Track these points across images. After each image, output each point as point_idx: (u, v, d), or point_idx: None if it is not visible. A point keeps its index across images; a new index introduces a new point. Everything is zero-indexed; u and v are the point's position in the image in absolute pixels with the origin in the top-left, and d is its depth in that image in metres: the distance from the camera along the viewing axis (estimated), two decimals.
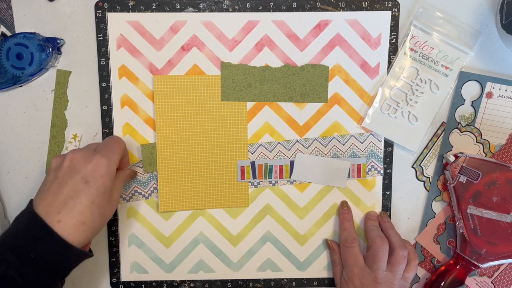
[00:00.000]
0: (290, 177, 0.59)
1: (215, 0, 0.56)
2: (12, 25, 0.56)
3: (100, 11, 0.56)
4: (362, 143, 0.59)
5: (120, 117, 0.58)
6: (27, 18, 0.56)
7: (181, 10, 0.56)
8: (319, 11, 0.57)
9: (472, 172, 0.55)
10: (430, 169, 0.59)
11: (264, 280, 0.61)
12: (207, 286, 0.61)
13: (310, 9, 0.56)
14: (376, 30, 0.57)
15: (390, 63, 0.58)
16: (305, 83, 0.57)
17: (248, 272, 0.61)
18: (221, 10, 0.56)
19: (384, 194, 0.60)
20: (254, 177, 0.59)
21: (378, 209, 0.60)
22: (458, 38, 0.57)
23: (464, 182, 0.55)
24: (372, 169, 0.59)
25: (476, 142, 0.58)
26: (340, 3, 0.56)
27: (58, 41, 0.56)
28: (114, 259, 0.60)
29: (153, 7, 0.56)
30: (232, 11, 0.57)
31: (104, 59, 0.57)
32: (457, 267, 0.57)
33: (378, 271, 0.53)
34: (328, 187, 0.59)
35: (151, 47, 0.57)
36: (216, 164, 0.58)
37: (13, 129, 0.58)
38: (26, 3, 0.56)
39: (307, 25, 0.57)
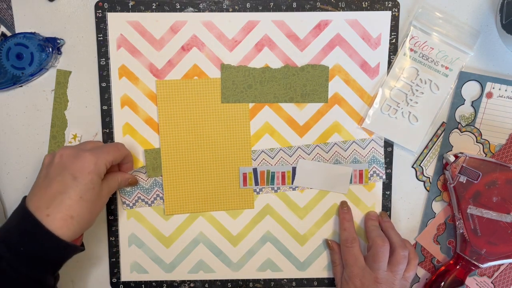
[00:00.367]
0: (292, 184, 0.59)
1: (215, 0, 0.56)
2: (12, 25, 0.56)
3: (100, 11, 0.56)
4: (364, 148, 0.59)
5: (120, 117, 0.58)
6: (27, 18, 0.56)
7: (181, 10, 0.56)
8: (319, 11, 0.57)
9: (472, 172, 0.55)
10: (430, 169, 0.59)
11: (264, 280, 0.61)
12: (207, 286, 0.61)
13: (310, 9, 0.56)
14: (376, 30, 0.57)
15: (390, 63, 0.58)
16: (305, 84, 0.57)
17: (248, 272, 0.61)
18: (221, 10, 0.56)
19: (384, 194, 0.60)
20: (257, 183, 0.59)
21: (378, 209, 0.60)
22: (458, 38, 0.57)
23: (464, 182, 0.55)
24: (374, 175, 0.59)
25: (476, 142, 0.58)
26: (340, 3, 0.56)
27: (58, 41, 0.56)
28: (114, 259, 0.60)
29: (153, 7, 0.56)
30: (232, 11, 0.57)
31: (104, 59, 0.57)
32: (457, 267, 0.57)
33: (378, 271, 0.53)
34: None
35: (151, 47, 0.57)
36: (220, 167, 0.58)
37: (13, 129, 0.58)
38: (26, 3, 0.56)
39: (307, 25, 0.57)
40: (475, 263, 0.56)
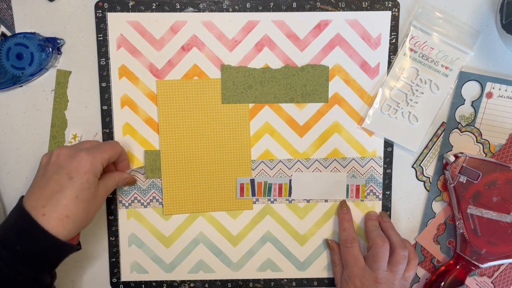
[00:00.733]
0: (289, 196, 0.59)
1: (215, 0, 0.56)
2: (12, 25, 0.56)
3: (100, 11, 0.56)
4: (362, 166, 0.59)
5: (120, 117, 0.58)
6: (27, 18, 0.56)
7: (181, 10, 0.56)
8: (319, 11, 0.57)
9: (472, 172, 0.55)
10: (430, 169, 0.59)
11: (264, 280, 0.61)
12: (207, 286, 0.61)
13: (310, 9, 0.56)
14: (376, 30, 0.57)
15: (390, 63, 0.58)
16: (306, 84, 0.57)
17: (248, 272, 0.61)
18: (221, 10, 0.56)
19: (384, 194, 0.60)
20: (254, 194, 0.59)
21: (378, 209, 0.60)
22: (458, 38, 0.57)
23: (464, 182, 0.55)
24: (371, 194, 0.59)
25: (476, 142, 0.58)
26: (340, 3, 0.56)
27: (58, 41, 0.56)
28: (114, 259, 0.60)
29: (153, 7, 0.56)
30: (232, 11, 0.57)
31: (104, 59, 0.57)
32: (457, 267, 0.57)
33: (378, 271, 0.53)
34: None
35: (151, 47, 0.57)
36: (220, 167, 0.58)
37: (13, 129, 0.58)
38: (26, 3, 0.56)
39: (307, 25, 0.57)
40: (475, 263, 0.56)
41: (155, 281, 0.60)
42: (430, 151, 0.59)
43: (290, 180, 0.59)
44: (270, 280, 0.61)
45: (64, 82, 0.57)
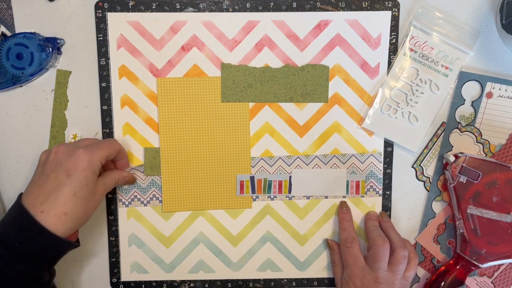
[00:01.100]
0: (289, 193, 0.59)
1: (215, 0, 0.56)
2: (12, 25, 0.56)
3: (100, 11, 0.56)
4: (362, 162, 0.59)
5: (120, 117, 0.58)
6: (27, 18, 0.56)
7: (181, 10, 0.56)
8: (319, 11, 0.57)
9: (472, 172, 0.55)
10: (430, 169, 0.59)
11: (264, 280, 0.61)
12: (207, 286, 0.61)
13: (310, 9, 0.56)
14: (376, 30, 0.57)
15: (390, 63, 0.58)
16: (306, 83, 0.57)
17: (248, 272, 0.61)
18: (221, 10, 0.56)
19: (384, 194, 0.60)
20: (253, 191, 0.59)
21: (378, 209, 0.60)
22: (458, 38, 0.57)
23: (464, 182, 0.55)
24: (371, 189, 0.59)
25: (476, 142, 0.58)
26: (340, 3, 0.56)
27: (58, 41, 0.56)
28: (114, 259, 0.60)
29: (153, 7, 0.56)
30: (232, 11, 0.57)
31: (104, 59, 0.57)
32: (457, 267, 0.57)
33: (379, 271, 0.53)
34: None
35: (151, 47, 0.57)
36: (219, 166, 0.58)
37: (13, 129, 0.58)
38: (26, 3, 0.56)
39: (307, 25, 0.57)
40: (475, 263, 0.56)
41: (155, 281, 0.60)
42: (430, 151, 0.59)
43: (290, 177, 0.59)
44: (270, 280, 0.61)
45: (64, 82, 0.57)
